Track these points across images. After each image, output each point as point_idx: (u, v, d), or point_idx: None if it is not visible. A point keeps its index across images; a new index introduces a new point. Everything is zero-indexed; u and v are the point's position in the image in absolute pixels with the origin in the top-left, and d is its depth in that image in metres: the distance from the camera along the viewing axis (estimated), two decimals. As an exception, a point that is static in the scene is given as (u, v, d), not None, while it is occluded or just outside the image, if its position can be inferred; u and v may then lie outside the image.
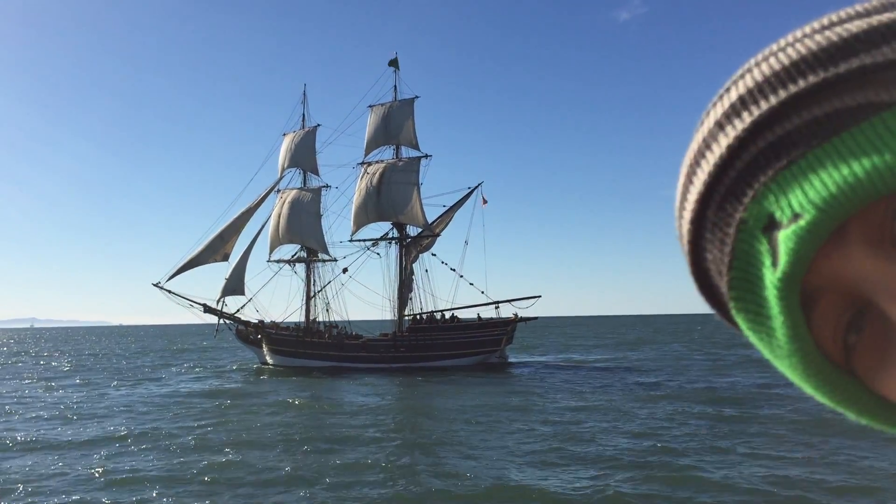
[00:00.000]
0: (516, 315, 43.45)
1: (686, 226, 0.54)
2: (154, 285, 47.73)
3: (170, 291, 47.64)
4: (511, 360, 45.77)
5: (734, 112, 0.50)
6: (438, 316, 45.51)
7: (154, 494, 11.82)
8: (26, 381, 37.28)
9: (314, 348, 46.21)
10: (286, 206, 49.69)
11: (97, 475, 13.27)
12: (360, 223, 48.07)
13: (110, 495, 11.88)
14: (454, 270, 45.31)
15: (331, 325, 48.33)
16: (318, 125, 50.51)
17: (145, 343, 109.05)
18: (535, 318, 43.79)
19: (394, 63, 48.89)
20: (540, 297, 43.41)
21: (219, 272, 50.00)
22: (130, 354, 70.31)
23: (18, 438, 17.77)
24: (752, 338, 0.52)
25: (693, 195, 0.52)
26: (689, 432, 17.47)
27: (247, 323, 49.05)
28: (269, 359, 47.95)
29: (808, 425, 17.64)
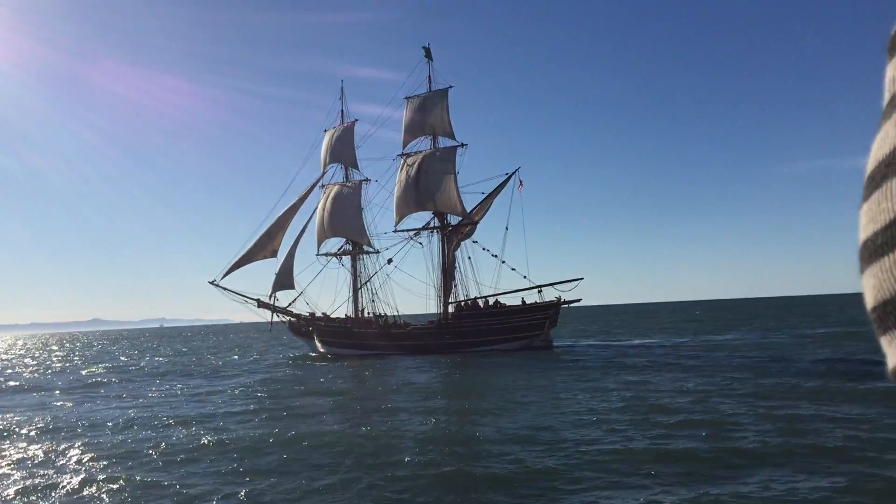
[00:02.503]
0: (559, 298, 43.73)
1: None
2: (210, 283, 49.93)
3: (225, 289, 49.79)
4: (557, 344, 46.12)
5: None
6: (482, 302, 46.19)
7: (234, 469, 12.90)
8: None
9: (362, 338, 47.58)
10: (329, 200, 51.06)
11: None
12: (401, 214, 49.01)
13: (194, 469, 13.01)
14: (496, 256, 45.82)
15: (378, 316, 49.60)
16: (356, 120, 51.63)
17: (232, 339, 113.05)
18: (579, 300, 43.98)
19: (427, 54, 49.45)
20: (582, 279, 43.69)
21: (270, 269, 51.71)
22: (226, 348, 73.31)
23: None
24: None
25: None
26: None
27: (298, 316, 50.83)
28: (320, 349, 49.62)
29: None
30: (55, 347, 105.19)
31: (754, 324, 67.43)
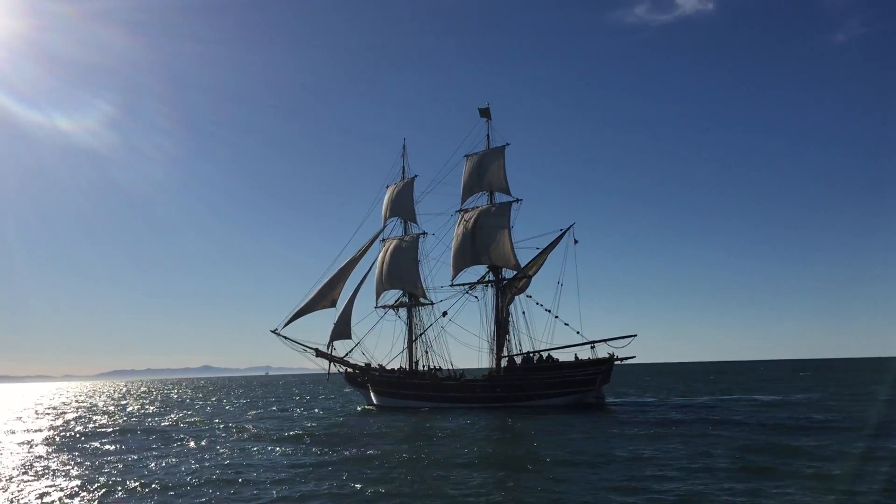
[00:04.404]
0: (611, 355, 43.08)
1: None
2: (272, 332, 51.60)
3: (285, 337, 51.29)
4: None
5: None
6: (535, 357, 45.93)
7: None
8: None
9: (415, 389, 47.91)
10: (388, 253, 52.44)
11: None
12: (458, 268, 49.82)
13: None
14: (549, 311, 45.67)
15: (433, 369, 49.72)
16: (416, 176, 53.22)
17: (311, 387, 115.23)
18: (632, 358, 43.12)
19: (485, 113, 51.07)
20: (636, 335, 42.93)
21: (327, 319, 53.09)
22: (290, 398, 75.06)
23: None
24: None
25: None
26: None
27: (354, 366, 51.69)
28: (374, 400, 50.19)
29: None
30: (164, 391, 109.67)
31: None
